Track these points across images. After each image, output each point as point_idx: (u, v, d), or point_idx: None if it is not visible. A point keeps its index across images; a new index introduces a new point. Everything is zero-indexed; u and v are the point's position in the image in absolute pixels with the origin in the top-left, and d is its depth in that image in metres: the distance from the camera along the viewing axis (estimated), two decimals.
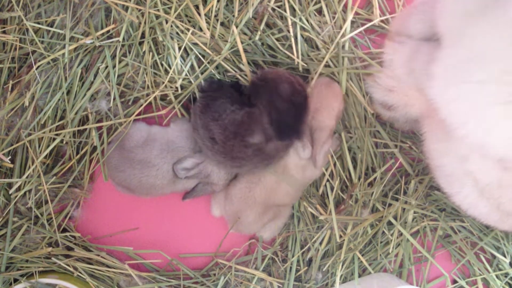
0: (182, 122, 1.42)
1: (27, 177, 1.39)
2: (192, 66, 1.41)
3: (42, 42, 1.39)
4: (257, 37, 1.38)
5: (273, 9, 1.39)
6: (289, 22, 1.38)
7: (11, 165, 1.40)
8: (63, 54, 1.38)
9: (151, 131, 1.41)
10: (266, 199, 1.37)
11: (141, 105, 1.43)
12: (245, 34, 1.40)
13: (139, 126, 1.41)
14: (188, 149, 1.38)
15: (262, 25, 1.38)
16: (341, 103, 1.37)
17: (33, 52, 1.39)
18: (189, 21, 1.39)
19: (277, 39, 1.41)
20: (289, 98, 1.29)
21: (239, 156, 1.29)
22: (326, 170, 1.42)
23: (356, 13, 1.44)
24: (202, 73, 1.41)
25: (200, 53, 1.39)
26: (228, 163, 1.32)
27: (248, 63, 1.40)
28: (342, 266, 1.39)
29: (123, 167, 1.37)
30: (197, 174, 1.37)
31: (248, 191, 1.37)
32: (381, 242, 1.43)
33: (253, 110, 1.29)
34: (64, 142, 1.42)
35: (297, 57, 1.38)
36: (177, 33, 1.38)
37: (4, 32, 1.39)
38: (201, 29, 1.38)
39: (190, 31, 1.37)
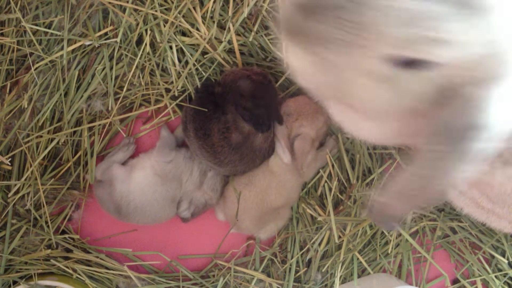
0: (165, 149, 1.42)
1: (25, 179, 1.39)
2: (187, 65, 1.41)
3: (40, 44, 1.39)
4: (250, 38, 1.38)
5: (268, 11, 1.39)
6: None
7: (10, 167, 1.40)
8: (61, 55, 1.38)
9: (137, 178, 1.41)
10: (259, 203, 1.37)
11: (140, 106, 1.43)
12: (238, 35, 1.40)
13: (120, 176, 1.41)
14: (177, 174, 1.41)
15: (256, 26, 1.38)
16: (327, 118, 1.36)
17: (31, 54, 1.39)
18: (187, 22, 1.39)
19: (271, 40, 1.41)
20: (251, 93, 1.30)
21: (227, 161, 1.34)
22: (324, 171, 1.42)
23: None
24: (197, 74, 1.41)
25: (193, 53, 1.39)
26: (221, 170, 1.39)
27: (243, 64, 1.40)
28: (342, 266, 1.39)
29: (120, 216, 1.41)
30: (195, 205, 1.43)
31: (243, 196, 1.38)
32: (380, 243, 1.42)
33: (227, 117, 1.31)
34: (61, 143, 1.42)
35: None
36: (174, 33, 1.38)
37: (2, 34, 1.39)
38: (198, 30, 1.38)
39: (190, 33, 1.37)
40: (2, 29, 1.39)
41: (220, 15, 1.38)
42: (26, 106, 1.39)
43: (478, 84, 0.63)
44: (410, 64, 0.62)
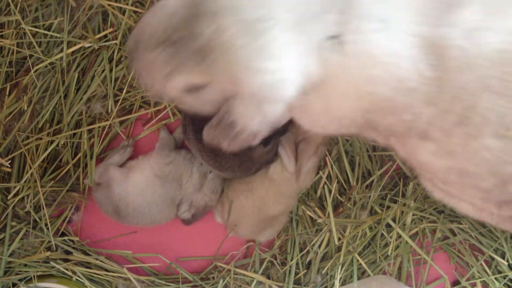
0: (164, 150, 1.42)
1: (25, 182, 1.39)
2: None
3: (39, 46, 1.39)
4: None
5: None
6: None
7: (10, 169, 1.40)
8: (61, 57, 1.38)
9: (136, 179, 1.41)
10: (257, 210, 1.37)
11: (140, 109, 1.43)
12: None
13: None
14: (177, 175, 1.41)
15: None
16: None
17: (31, 56, 1.39)
18: None
19: None
20: None
21: (227, 166, 1.33)
22: (324, 173, 1.42)
23: None
24: None
25: None
26: (221, 174, 1.39)
27: None
28: (341, 268, 1.39)
29: (119, 218, 1.41)
30: (196, 207, 1.43)
31: (240, 203, 1.38)
32: (380, 245, 1.42)
33: None
34: (60, 145, 1.42)
35: None
36: None
37: (1, 36, 1.39)
38: None
39: None
40: (2, 31, 1.39)
41: None
42: (25, 108, 1.39)
43: (235, 96, 0.87)
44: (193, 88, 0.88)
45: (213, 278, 1.46)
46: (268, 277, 1.45)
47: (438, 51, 0.79)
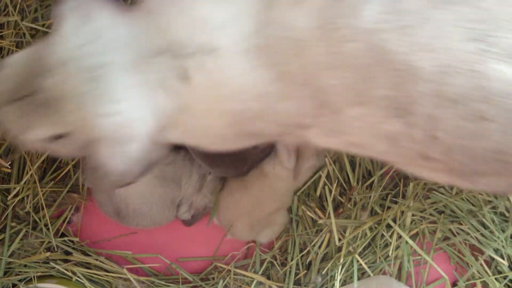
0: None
1: (25, 182, 1.39)
2: None
3: None
4: None
5: None
6: None
7: (9, 170, 1.40)
8: None
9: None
10: (252, 208, 1.37)
11: None
12: None
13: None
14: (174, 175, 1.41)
15: None
16: None
17: None
18: None
19: None
20: None
21: (219, 163, 1.32)
22: (324, 173, 1.42)
23: None
24: None
25: None
26: (212, 170, 1.38)
27: None
28: (342, 269, 1.39)
29: (120, 219, 1.40)
30: (196, 208, 1.43)
31: (235, 200, 1.38)
32: (380, 245, 1.42)
33: None
34: None
35: None
36: None
37: (1, 36, 1.38)
38: None
39: None
40: (1, 32, 1.39)
41: None
42: None
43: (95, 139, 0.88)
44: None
45: (213, 278, 1.46)
46: (268, 278, 1.45)
47: (267, 50, 0.83)
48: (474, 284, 1.44)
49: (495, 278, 1.41)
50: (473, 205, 1.43)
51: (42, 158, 1.39)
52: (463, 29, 0.72)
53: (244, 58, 0.85)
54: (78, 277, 1.38)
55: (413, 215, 1.41)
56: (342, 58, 0.79)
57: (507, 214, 1.43)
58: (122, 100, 0.86)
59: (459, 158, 0.83)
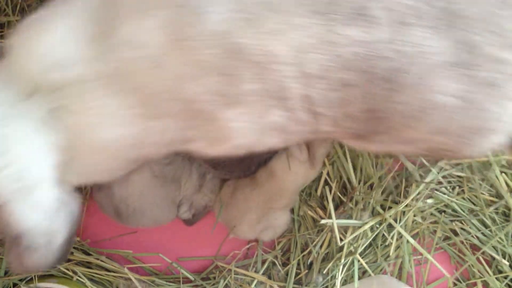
0: None
1: None
2: None
3: None
4: None
5: None
6: None
7: None
8: None
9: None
10: (262, 204, 1.37)
11: None
12: None
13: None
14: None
15: None
16: None
17: None
18: None
19: None
20: None
21: (223, 164, 1.33)
22: (325, 172, 1.42)
23: None
24: None
25: None
26: (215, 172, 1.38)
27: None
28: (343, 269, 1.39)
29: (120, 219, 1.40)
30: (196, 207, 1.43)
31: (244, 197, 1.37)
32: (381, 245, 1.42)
33: None
34: None
35: None
36: None
37: (1, 37, 1.38)
38: None
39: None
40: (1, 32, 1.38)
41: None
42: None
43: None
44: None
45: (214, 278, 1.46)
46: (269, 277, 1.45)
47: (122, 74, 0.82)
48: (475, 284, 1.44)
49: (496, 278, 1.41)
50: (474, 204, 1.43)
51: None
52: (305, 7, 0.74)
53: (99, 89, 0.83)
54: (79, 276, 1.38)
55: (414, 215, 1.41)
56: (201, 65, 0.78)
57: (508, 213, 1.43)
58: (8, 150, 0.83)
59: (347, 125, 0.85)
